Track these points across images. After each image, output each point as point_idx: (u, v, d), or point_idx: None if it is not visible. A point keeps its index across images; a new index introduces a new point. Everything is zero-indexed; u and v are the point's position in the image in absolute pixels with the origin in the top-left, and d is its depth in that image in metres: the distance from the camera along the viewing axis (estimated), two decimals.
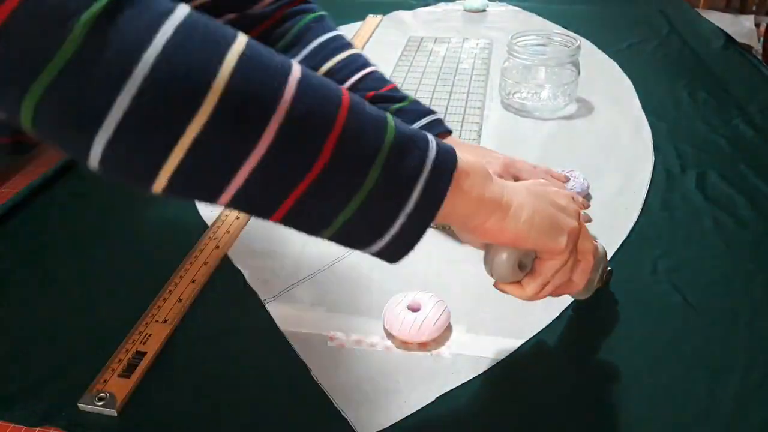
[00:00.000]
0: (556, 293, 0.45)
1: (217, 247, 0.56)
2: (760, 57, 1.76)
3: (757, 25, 1.99)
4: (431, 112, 0.61)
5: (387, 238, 0.38)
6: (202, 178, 0.34)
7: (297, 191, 0.35)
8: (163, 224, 0.61)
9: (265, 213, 0.36)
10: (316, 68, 0.59)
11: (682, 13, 1.20)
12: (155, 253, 0.56)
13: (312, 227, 0.38)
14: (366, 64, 0.61)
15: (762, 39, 1.95)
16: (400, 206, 0.37)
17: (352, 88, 0.59)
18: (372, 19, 1.16)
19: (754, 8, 2.33)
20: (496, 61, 0.96)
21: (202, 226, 0.60)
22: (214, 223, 0.60)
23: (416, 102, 0.61)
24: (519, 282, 0.43)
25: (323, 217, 0.37)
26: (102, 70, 0.30)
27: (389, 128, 0.36)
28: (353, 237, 0.38)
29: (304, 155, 0.34)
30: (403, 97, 0.61)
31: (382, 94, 0.60)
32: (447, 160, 0.38)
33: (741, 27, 1.90)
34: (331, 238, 0.38)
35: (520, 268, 0.42)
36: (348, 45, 0.61)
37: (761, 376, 0.44)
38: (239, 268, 0.55)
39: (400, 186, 0.37)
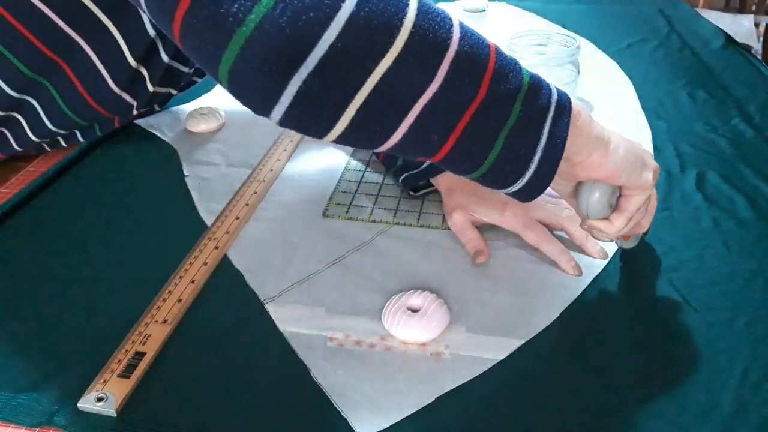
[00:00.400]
0: (631, 232, 0.51)
1: (216, 247, 0.56)
2: (759, 57, 1.76)
3: (757, 25, 1.99)
4: None
5: (527, 175, 0.42)
6: (382, 113, 0.37)
7: (458, 128, 0.39)
8: (162, 224, 0.61)
9: (429, 152, 0.40)
10: None
11: (682, 13, 1.20)
12: (155, 253, 0.56)
13: (467, 166, 0.42)
14: None
15: (761, 39, 1.95)
16: (536, 142, 0.41)
17: None
18: None
19: (753, 8, 2.33)
20: None
21: (201, 227, 0.60)
22: (213, 224, 0.60)
23: None
24: (607, 219, 0.49)
25: (478, 154, 0.41)
26: (310, 9, 0.33)
27: (524, 70, 0.41)
28: (500, 175, 0.42)
29: (466, 91, 0.38)
30: None
31: None
32: (565, 101, 0.43)
33: (740, 27, 1.90)
34: (481, 178, 0.43)
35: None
36: None
37: (761, 376, 0.44)
38: (239, 268, 0.55)
39: (535, 122, 0.41)
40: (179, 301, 0.50)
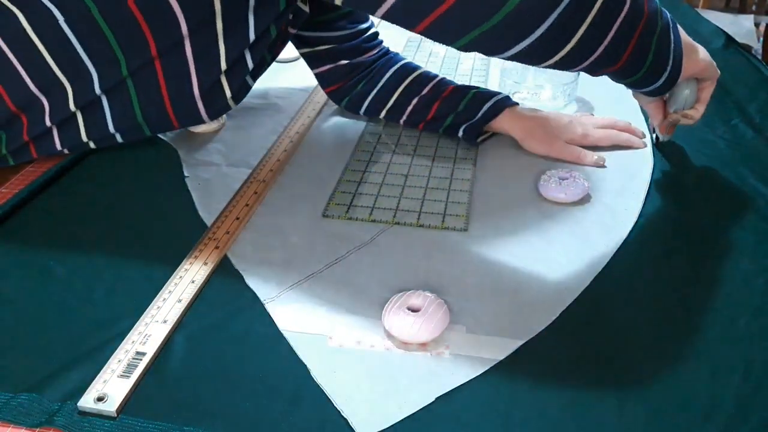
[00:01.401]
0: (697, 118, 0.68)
1: (216, 247, 0.56)
2: (759, 57, 1.76)
3: (757, 25, 1.99)
4: (499, 92, 0.74)
5: (667, 70, 0.59)
6: (598, 30, 0.50)
7: (634, 38, 0.53)
8: (162, 224, 0.61)
9: (614, 61, 0.54)
10: (400, 83, 0.75)
11: (682, 13, 1.20)
12: (155, 253, 0.56)
13: (634, 69, 0.57)
14: (436, 75, 0.76)
15: (761, 39, 1.95)
16: (669, 46, 0.58)
17: (436, 90, 0.74)
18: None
19: (753, 8, 2.33)
20: (495, 61, 0.96)
21: (201, 227, 0.60)
22: (213, 224, 0.60)
23: (484, 88, 0.75)
24: (694, 108, 0.67)
25: (642, 58, 0.56)
26: None
27: None
28: (652, 74, 0.59)
29: (641, 9, 0.53)
30: (475, 86, 0.75)
31: (459, 86, 0.74)
32: (672, 18, 0.58)
33: (740, 27, 1.91)
34: (640, 78, 0.59)
35: None
36: (419, 66, 0.77)
37: (761, 376, 0.44)
38: (238, 268, 0.55)
39: (667, 31, 0.57)
40: (179, 301, 0.50)
